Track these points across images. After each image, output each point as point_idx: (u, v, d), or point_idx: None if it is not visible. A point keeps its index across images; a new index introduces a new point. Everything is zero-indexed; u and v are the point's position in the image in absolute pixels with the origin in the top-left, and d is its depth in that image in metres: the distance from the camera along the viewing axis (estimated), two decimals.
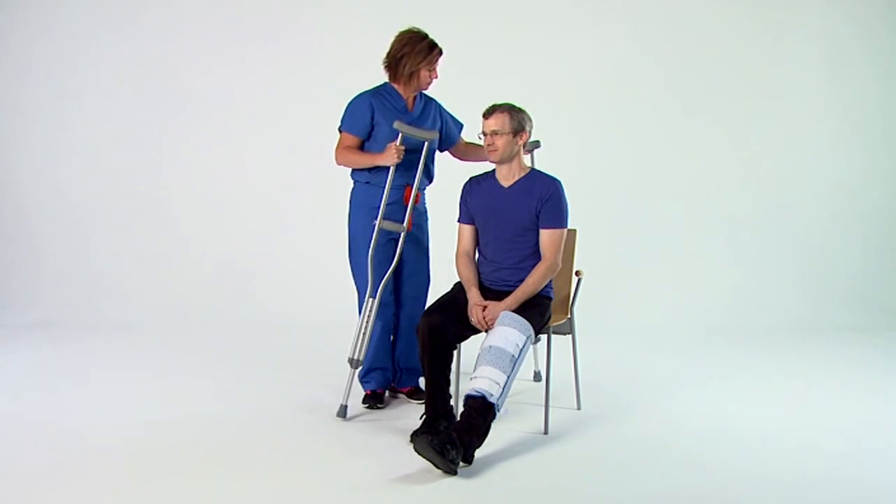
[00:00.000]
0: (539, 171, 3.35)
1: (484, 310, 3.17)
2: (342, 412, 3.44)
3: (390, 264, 3.51)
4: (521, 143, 3.25)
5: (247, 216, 5.72)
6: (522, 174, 3.30)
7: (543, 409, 3.34)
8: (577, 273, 3.53)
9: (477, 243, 3.41)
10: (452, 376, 3.24)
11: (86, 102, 5.69)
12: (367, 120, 3.52)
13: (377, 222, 3.47)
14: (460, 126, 3.77)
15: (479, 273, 3.35)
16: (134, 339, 4.91)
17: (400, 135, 3.44)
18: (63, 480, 2.80)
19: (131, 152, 5.71)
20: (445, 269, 3.65)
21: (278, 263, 5.65)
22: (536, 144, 3.79)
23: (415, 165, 3.51)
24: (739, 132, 5.73)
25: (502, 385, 2.95)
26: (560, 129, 4.92)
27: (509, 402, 3.64)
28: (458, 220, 3.43)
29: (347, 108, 3.58)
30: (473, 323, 3.19)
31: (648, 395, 3.81)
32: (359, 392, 3.64)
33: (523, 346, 3.05)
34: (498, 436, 3.15)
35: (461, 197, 3.41)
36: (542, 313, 3.23)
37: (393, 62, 3.55)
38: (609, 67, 5.68)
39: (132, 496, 2.69)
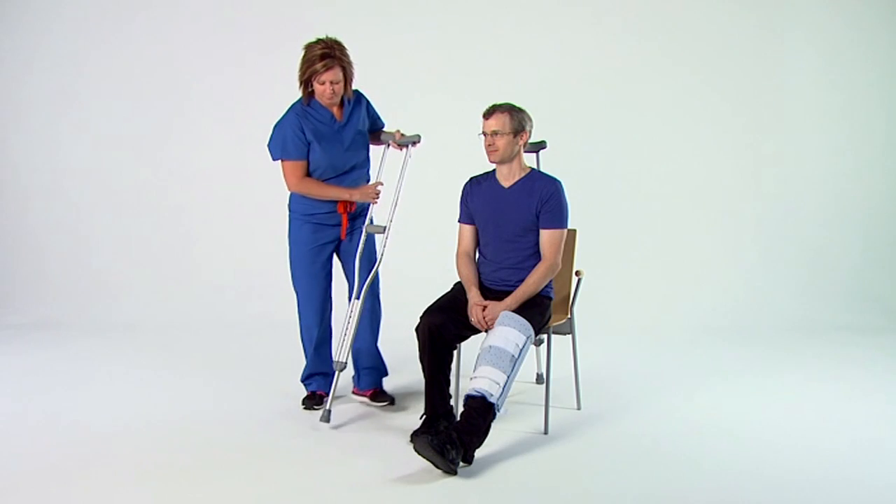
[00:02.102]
0: (539, 172, 3.34)
1: (484, 309, 3.17)
2: (325, 416, 3.37)
3: (324, 269, 3.55)
4: (521, 143, 3.25)
5: (247, 217, 5.71)
6: (523, 174, 3.30)
7: (543, 409, 3.34)
8: (577, 273, 3.52)
9: (477, 243, 3.41)
10: (452, 376, 3.24)
11: (87, 103, 5.70)
12: (303, 141, 3.37)
13: (364, 227, 3.47)
14: (382, 125, 3.67)
15: (479, 273, 3.35)
16: (135, 340, 4.91)
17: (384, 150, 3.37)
18: (64, 480, 2.81)
19: (132, 153, 5.72)
20: (445, 269, 3.65)
21: (277, 264, 5.63)
22: (542, 145, 3.77)
23: (349, 178, 3.48)
24: (740, 132, 5.72)
25: (502, 385, 2.95)
26: (560, 129, 4.92)
27: (509, 402, 3.64)
28: (459, 221, 3.43)
29: (276, 133, 3.41)
30: (473, 323, 3.19)
31: (648, 395, 3.81)
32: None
33: (523, 346, 3.04)
34: (498, 436, 3.15)
35: (461, 197, 3.41)
36: (542, 313, 3.22)
37: None
38: (609, 68, 5.68)
39: (133, 496, 2.69)
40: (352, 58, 3.39)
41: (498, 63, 5.61)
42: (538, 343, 3.63)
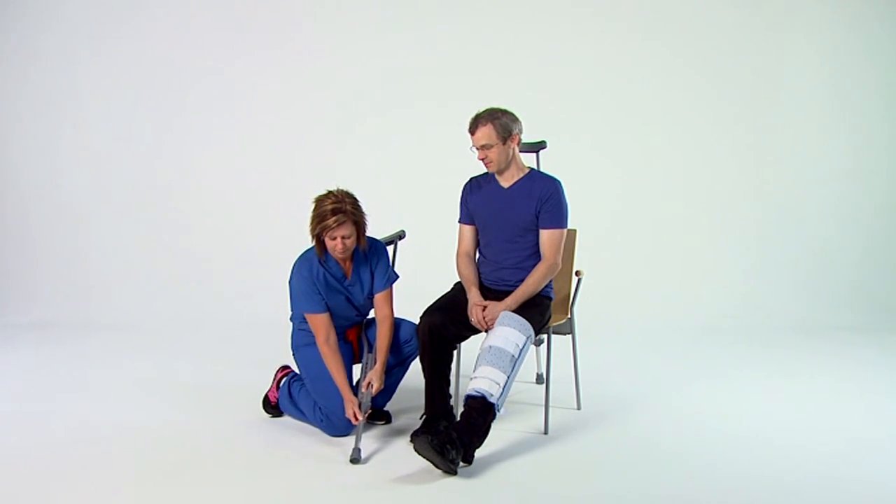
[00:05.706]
0: (539, 172, 3.34)
1: (484, 310, 3.16)
2: (356, 455, 3.00)
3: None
4: (513, 146, 3.22)
5: (246, 217, 5.72)
6: (522, 175, 3.29)
7: (543, 409, 3.34)
8: (577, 273, 3.52)
9: (477, 244, 3.41)
10: (452, 376, 3.24)
11: (85, 103, 5.71)
12: (319, 294, 3.24)
13: (358, 420, 3.13)
14: (390, 279, 3.34)
15: (479, 273, 3.35)
16: (132, 340, 4.92)
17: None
18: (62, 480, 2.81)
19: (130, 153, 5.73)
20: (446, 269, 3.65)
21: (277, 264, 5.64)
22: (542, 145, 3.75)
23: (351, 319, 3.38)
24: (740, 133, 5.73)
25: (502, 385, 2.95)
26: (560, 129, 4.93)
27: (509, 402, 3.64)
28: (459, 221, 3.43)
29: (295, 287, 3.28)
30: (473, 323, 3.19)
31: (648, 395, 3.81)
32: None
33: (523, 347, 3.04)
34: (498, 436, 3.15)
35: (461, 197, 3.41)
36: (542, 313, 3.22)
37: None
38: (610, 68, 5.68)
39: (130, 497, 2.69)
40: (364, 209, 3.20)
41: (498, 62, 5.62)
42: (538, 343, 3.63)
